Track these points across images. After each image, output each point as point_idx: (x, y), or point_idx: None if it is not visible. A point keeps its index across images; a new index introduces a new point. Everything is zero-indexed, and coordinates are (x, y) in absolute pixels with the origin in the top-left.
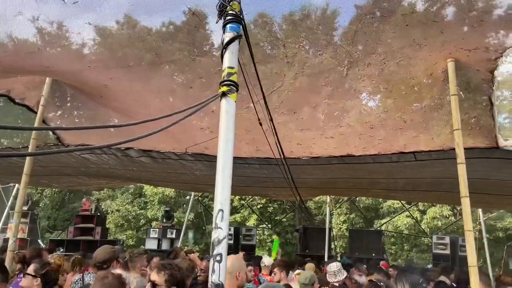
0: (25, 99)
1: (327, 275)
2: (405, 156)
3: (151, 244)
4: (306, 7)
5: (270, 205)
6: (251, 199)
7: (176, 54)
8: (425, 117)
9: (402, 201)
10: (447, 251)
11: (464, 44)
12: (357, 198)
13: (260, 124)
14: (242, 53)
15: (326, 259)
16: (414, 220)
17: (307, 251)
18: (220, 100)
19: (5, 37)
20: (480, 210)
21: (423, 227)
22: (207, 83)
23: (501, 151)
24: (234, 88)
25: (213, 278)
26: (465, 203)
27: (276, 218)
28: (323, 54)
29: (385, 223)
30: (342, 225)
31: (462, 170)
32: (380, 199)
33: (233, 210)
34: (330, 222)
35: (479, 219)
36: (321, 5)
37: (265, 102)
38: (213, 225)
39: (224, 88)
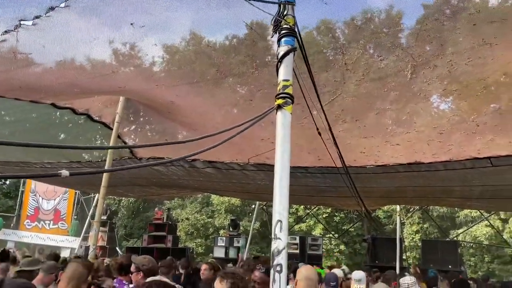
0: (102, 116)
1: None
2: (480, 162)
3: (219, 253)
4: (368, 11)
5: (336, 214)
6: (317, 208)
7: (239, 66)
8: (502, 119)
9: (480, 210)
10: None
11: None
12: (431, 207)
13: (319, 133)
14: (301, 63)
15: (398, 271)
16: (494, 230)
17: (376, 262)
18: (276, 112)
19: (84, 59)
20: None
21: (505, 237)
22: (269, 94)
23: None
24: (290, 101)
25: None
26: None
27: (343, 228)
28: (388, 58)
29: (461, 232)
30: (415, 235)
31: None
32: (456, 208)
33: (299, 219)
34: (401, 232)
35: None
36: (383, 7)
37: (323, 112)
38: (272, 236)
39: (280, 101)
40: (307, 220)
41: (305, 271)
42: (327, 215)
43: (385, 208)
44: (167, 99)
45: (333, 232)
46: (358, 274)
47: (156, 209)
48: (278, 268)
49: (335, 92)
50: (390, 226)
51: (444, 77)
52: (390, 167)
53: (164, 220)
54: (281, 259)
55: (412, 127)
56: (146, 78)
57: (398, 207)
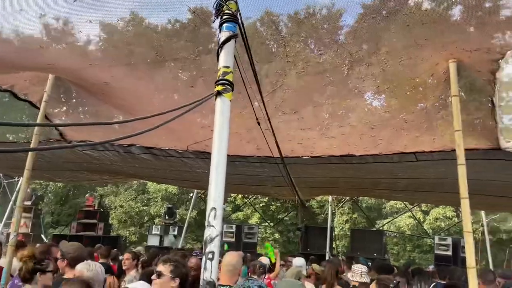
0: (28, 94)
1: (350, 274)
2: (406, 157)
3: (153, 241)
4: (311, 6)
5: (272, 203)
6: (254, 198)
7: (181, 52)
8: (427, 117)
9: (404, 202)
10: (449, 252)
11: (465, 45)
12: (360, 198)
13: (258, 123)
14: (244, 52)
15: (327, 258)
16: (416, 221)
17: (308, 249)
18: (215, 99)
19: (11, 33)
20: (483, 212)
21: (425, 228)
22: (211, 81)
23: (503, 152)
24: (229, 88)
25: (205, 276)
26: (465, 204)
27: (278, 217)
28: (327, 53)
29: (387, 223)
30: (345, 224)
31: (462, 171)
32: (383, 200)
33: (236, 208)
34: (332, 221)
35: (482, 221)
36: (326, 3)
37: (263, 102)
38: (206, 223)
39: (219, 88)
40: (245, 209)
41: (227, 257)
42: (264, 204)
43: (318, 198)
44: (101, 80)
45: (269, 221)
46: (299, 261)
47: (87, 195)
48: (210, 256)
49: (276, 83)
50: (323, 215)
51: (377, 75)
52: (325, 159)
53: (96, 207)
54: (214, 247)
55: (347, 121)
56: (80, 56)
57: (330, 198)
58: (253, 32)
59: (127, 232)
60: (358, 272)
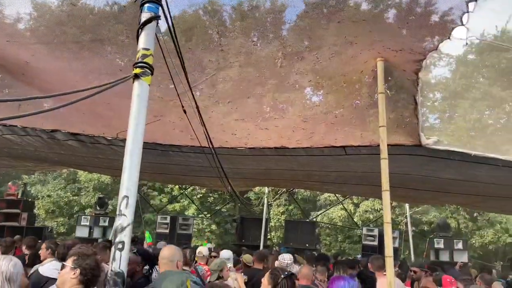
0: None
1: (278, 263)
2: (336, 150)
3: (81, 232)
4: None
5: (210, 195)
6: (192, 189)
7: (116, 35)
8: (356, 113)
9: (337, 194)
10: (375, 243)
11: (391, 44)
12: (296, 190)
13: (184, 111)
14: (189, 39)
15: (261, 248)
16: (347, 213)
17: (243, 241)
18: (133, 82)
19: None
20: (407, 205)
21: (355, 220)
22: None
23: (424, 149)
24: (149, 71)
25: (113, 266)
26: (385, 196)
27: (216, 208)
28: (269, 47)
29: (319, 214)
30: (281, 216)
31: (384, 165)
32: (318, 192)
33: (173, 199)
34: (268, 213)
35: (406, 213)
36: None
37: (191, 91)
38: (117, 212)
39: (138, 70)
40: (182, 200)
41: (163, 251)
42: (201, 195)
43: (256, 190)
44: (21, 59)
45: (205, 212)
46: (227, 253)
47: (9, 183)
48: (120, 246)
49: (216, 73)
50: (260, 207)
51: (316, 71)
52: (259, 150)
53: (19, 196)
54: (124, 237)
55: (284, 114)
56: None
57: (266, 190)
58: (196, 20)
59: (55, 223)
60: (284, 263)
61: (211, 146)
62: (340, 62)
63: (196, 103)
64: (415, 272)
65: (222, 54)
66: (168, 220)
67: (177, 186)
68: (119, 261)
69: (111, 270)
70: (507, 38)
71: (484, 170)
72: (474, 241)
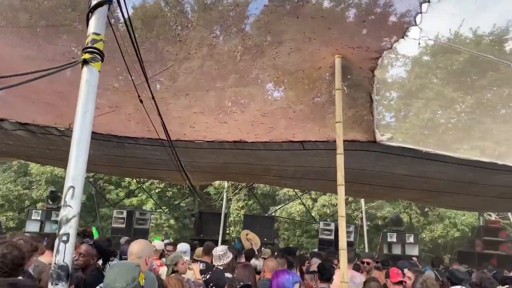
0: None
1: (213, 259)
2: (294, 145)
3: (32, 227)
4: None
5: (169, 189)
6: (150, 183)
7: (70, 22)
8: (315, 109)
9: (295, 190)
10: (332, 237)
11: (348, 41)
12: (256, 185)
13: (141, 101)
14: (150, 29)
15: (219, 244)
16: (305, 208)
17: (201, 235)
18: (82, 68)
19: None
20: (362, 200)
21: (313, 214)
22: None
23: (378, 145)
24: (99, 57)
25: (57, 259)
26: (341, 191)
27: (175, 203)
28: (231, 41)
29: (278, 209)
30: (240, 210)
31: (340, 160)
32: (278, 187)
33: (130, 193)
34: (228, 207)
35: (361, 208)
36: None
37: (147, 82)
38: (62, 203)
39: (86, 56)
40: (139, 195)
41: (133, 245)
42: (160, 190)
43: (216, 184)
44: None
45: (164, 207)
46: (184, 246)
47: None
48: (64, 238)
49: (175, 65)
50: (220, 202)
51: (276, 66)
52: (218, 144)
53: None
54: (69, 228)
55: (244, 109)
56: None
57: (226, 184)
58: (157, 10)
59: (4, 217)
60: (216, 257)
61: (168, 138)
62: (299, 58)
63: (152, 93)
64: (367, 263)
65: (182, 46)
66: (124, 215)
67: (134, 180)
68: (63, 254)
69: (55, 263)
70: (459, 41)
71: (434, 167)
72: (424, 236)
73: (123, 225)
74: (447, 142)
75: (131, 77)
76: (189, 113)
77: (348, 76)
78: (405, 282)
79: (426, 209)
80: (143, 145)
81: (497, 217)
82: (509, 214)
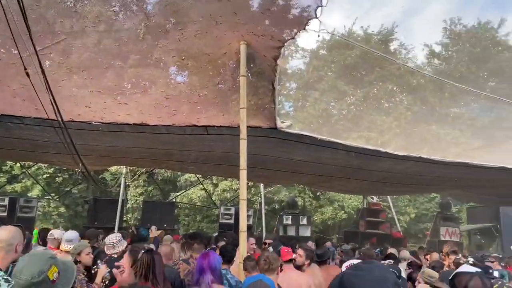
0: None
1: (105, 247)
2: (198, 130)
3: None
4: None
5: (59, 174)
6: (37, 167)
7: None
8: (219, 94)
9: (197, 175)
10: (232, 221)
11: (254, 29)
12: (156, 171)
13: (27, 74)
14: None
15: (116, 231)
16: (207, 193)
17: (96, 223)
18: None
19: None
20: (262, 185)
21: (214, 199)
22: None
23: (278, 131)
24: None
25: None
26: (243, 175)
27: (66, 189)
28: (132, 21)
29: (179, 195)
30: (139, 197)
31: (243, 145)
32: (179, 173)
33: (12, 179)
34: (125, 194)
35: (261, 193)
36: None
37: (36, 54)
38: None
39: None
40: (24, 180)
41: (1, 232)
42: (48, 175)
43: (113, 170)
44: None
45: (53, 194)
46: (71, 234)
47: None
48: None
49: (68, 39)
50: (117, 188)
51: (181, 49)
52: (117, 126)
53: None
54: None
55: (146, 91)
56: None
57: (124, 170)
58: None
59: None
60: (110, 245)
61: (60, 119)
62: (205, 42)
63: (42, 67)
64: (269, 244)
65: (77, 19)
66: (6, 202)
67: (18, 164)
68: None
69: None
70: (352, 37)
71: (327, 153)
72: (316, 218)
73: (5, 214)
74: (338, 131)
75: (17, 49)
76: (84, 92)
77: (252, 65)
78: (295, 260)
79: (318, 193)
80: (30, 125)
81: (378, 200)
82: (388, 197)
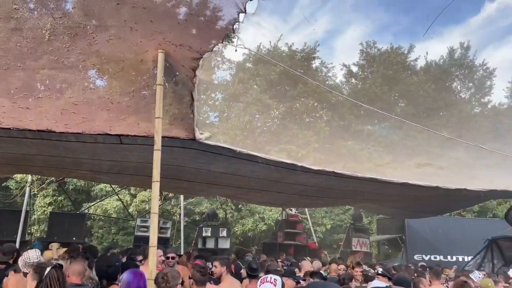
0: None
1: (22, 265)
2: (111, 138)
3: None
4: None
5: None
6: None
7: None
8: (134, 102)
9: (113, 185)
10: (148, 233)
11: (171, 38)
12: (68, 180)
13: None
14: None
15: (18, 245)
16: (123, 204)
17: None
18: None
19: None
20: (182, 196)
21: (131, 210)
22: None
23: (197, 143)
24: None
25: None
26: (155, 187)
27: None
28: (49, 19)
29: (92, 205)
30: (48, 207)
31: (157, 156)
32: (94, 182)
33: None
34: (32, 204)
35: (181, 204)
36: None
37: None
38: None
39: None
40: None
41: None
42: None
43: (18, 178)
44: None
45: None
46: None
47: None
48: None
49: None
50: (23, 198)
51: (97, 53)
52: (18, 132)
53: None
54: None
55: (54, 95)
56: None
57: (30, 178)
58: None
59: None
60: (29, 263)
61: None
62: (119, 47)
63: None
64: (173, 257)
65: None
66: None
67: None
68: None
69: None
70: (277, 53)
71: (246, 166)
72: (237, 229)
73: None
74: (262, 144)
75: None
76: None
77: (177, 73)
78: (213, 273)
79: (240, 205)
80: None
81: (297, 211)
82: (306, 209)
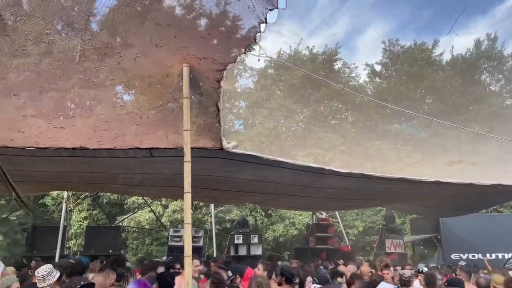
0: None
1: (36, 281)
2: (142, 152)
3: None
4: None
5: None
6: None
7: None
8: (162, 115)
9: (145, 197)
10: (181, 243)
11: (195, 51)
12: (101, 194)
13: None
14: None
15: (57, 260)
16: (155, 215)
17: (35, 252)
18: None
19: None
20: (212, 205)
21: (164, 221)
22: None
23: (224, 152)
24: None
25: None
26: (187, 198)
27: (2, 216)
28: (77, 39)
29: (126, 218)
30: (83, 222)
31: (187, 168)
32: (126, 195)
33: None
34: (68, 219)
35: (211, 212)
36: None
37: None
38: None
39: None
40: None
41: None
42: None
43: (54, 194)
44: None
45: None
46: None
47: None
48: None
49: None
50: (60, 213)
51: (125, 70)
52: (53, 151)
53: None
54: None
55: (86, 113)
56: None
57: (65, 194)
58: None
59: None
60: (40, 278)
61: None
62: (146, 63)
63: None
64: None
65: (20, 41)
66: None
67: None
68: None
69: None
70: (298, 57)
71: (273, 172)
72: (268, 235)
73: None
74: (288, 149)
75: None
76: (17, 115)
77: (201, 84)
78: None
79: (269, 211)
80: None
81: (327, 215)
82: (336, 212)
